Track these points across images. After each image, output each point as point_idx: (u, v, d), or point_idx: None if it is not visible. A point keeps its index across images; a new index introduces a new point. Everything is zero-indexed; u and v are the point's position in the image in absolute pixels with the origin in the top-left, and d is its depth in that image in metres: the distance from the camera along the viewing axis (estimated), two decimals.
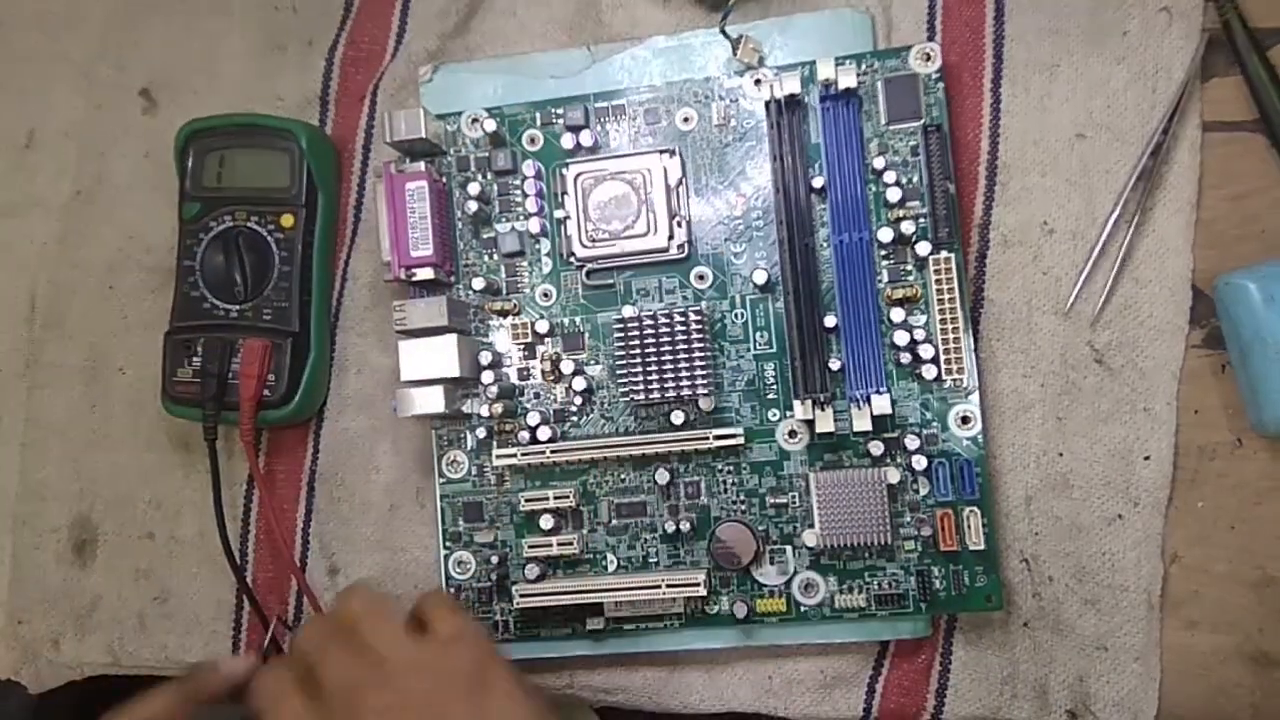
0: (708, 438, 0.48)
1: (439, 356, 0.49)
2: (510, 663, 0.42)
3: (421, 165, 0.50)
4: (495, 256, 0.52)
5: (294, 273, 0.53)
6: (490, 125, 0.51)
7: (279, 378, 0.52)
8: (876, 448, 0.47)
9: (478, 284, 0.51)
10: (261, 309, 0.53)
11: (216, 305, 0.53)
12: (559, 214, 0.50)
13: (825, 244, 0.48)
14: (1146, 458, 0.47)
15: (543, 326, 0.51)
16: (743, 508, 0.49)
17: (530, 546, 0.50)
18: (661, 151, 0.50)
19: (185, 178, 0.54)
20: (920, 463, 0.47)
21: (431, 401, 0.49)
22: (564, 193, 0.50)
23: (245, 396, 0.52)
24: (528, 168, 0.51)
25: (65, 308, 0.59)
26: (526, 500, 0.50)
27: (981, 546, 0.47)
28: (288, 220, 0.53)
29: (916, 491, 0.48)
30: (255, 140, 0.53)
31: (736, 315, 0.50)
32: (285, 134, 0.53)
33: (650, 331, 0.48)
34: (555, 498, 0.50)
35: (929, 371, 0.47)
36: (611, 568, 0.50)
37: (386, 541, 0.54)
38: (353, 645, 0.42)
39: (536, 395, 0.51)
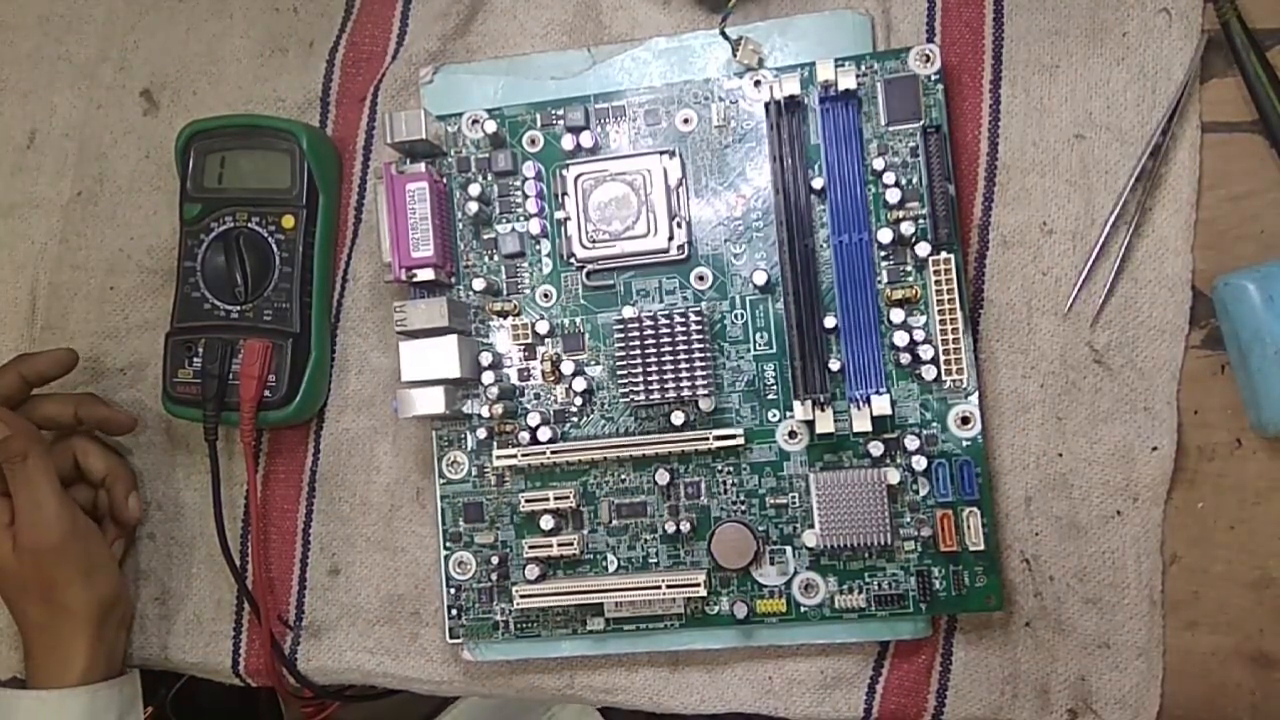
0: (708, 438, 0.48)
1: (439, 357, 0.49)
2: None
3: (422, 166, 0.51)
4: (496, 257, 0.52)
5: (295, 274, 0.53)
6: (491, 126, 0.51)
7: (279, 378, 0.52)
8: (876, 448, 0.47)
9: (478, 285, 0.51)
10: (262, 310, 0.53)
11: (217, 306, 0.53)
12: (559, 215, 0.51)
13: (825, 245, 0.48)
14: (1154, 449, 0.47)
15: (543, 327, 0.51)
16: (743, 508, 0.49)
17: (530, 547, 0.50)
18: (661, 152, 0.50)
19: (186, 179, 0.54)
20: (920, 463, 0.47)
21: (432, 402, 0.49)
22: (564, 194, 0.50)
23: (246, 397, 0.52)
24: (528, 169, 0.51)
25: (66, 308, 0.59)
26: (527, 501, 0.50)
27: (981, 547, 0.47)
28: (288, 221, 0.53)
29: (916, 492, 0.48)
30: (256, 141, 0.53)
31: (736, 316, 0.50)
32: (286, 135, 0.53)
33: (650, 332, 0.48)
34: (555, 498, 0.50)
35: (929, 372, 0.47)
36: (612, 568, 0.50)
37: (387, 542, 0.54)
38: None
39: (537, 396, 0.51)
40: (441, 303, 0.49)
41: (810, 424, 0.48)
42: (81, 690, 0.51)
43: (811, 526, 0.48)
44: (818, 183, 0.48)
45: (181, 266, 0.54)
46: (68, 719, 0.50)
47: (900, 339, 0.47)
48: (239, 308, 0.53)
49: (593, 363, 0.51)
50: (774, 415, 0.49)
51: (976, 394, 0.47)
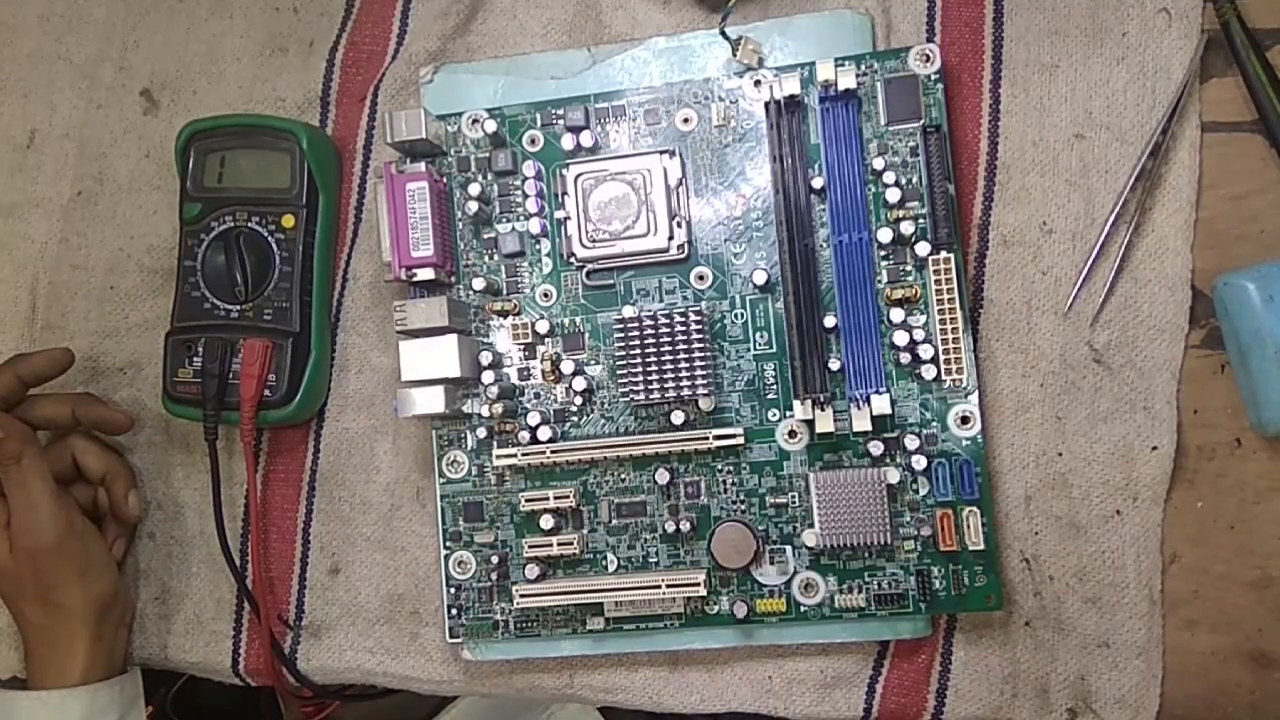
0: (708, 438, 0.48)
1: (439, 357, 0.49)
2: None
3: (422, 166, 0.51)
4: (495, 257, 0.52)
5: (295, 273, 0.53)
6: (491, 126, 0.51)
7: (279, 378, 0.52)
8: (876, 448, 0.47)
9: (478, 284, 0.51)
10: (262, 309, 0.53)
11: (217, 305, 0.53)
12: (559, 214, 0.51)
13: (825, 244, 0.48)
14: (1154, 448, 0.47)
15: (543, 327, 0.51)
16: (742, 508, 0.49)
17: (530, 546, 0.50)
18: (661, 152, 0.50)
19: (186, 178, 0.54)
20: (920, 463, 0.47)
21: (432, 401, 0.49)
22: (564, 193, 0.50)
23: (246, 397, 0.52)
24: (528, 168, 0.51)
25: (66, 308, 0.59)
26: (527, 500, 0.50)
27: (981, 546, 0.47)
28: (288, 220, 0.53)
29: (916, 491, 0.48)
30: (256, 141, 0.53)
31: (736, 315, 0.50)
32: (286, 135, 0.53)
33: (650, 332, 0.48)
34: (555, 498, 0.50)
35: (928, 371, 0.47)
36: (611, 568, 0.50)
37: (387, 541, 0.54)
38: None
39: (537, 395, 0.51)
40: (441, 302, 0.49)
41: (810, 423, 0.48)
42: (82, 690, 0.51)
43: (811, 526, 0.48)
44: (818, 182, 0.48)
45: (181, 266, 0.54)
46: (68, 718, 0.50)
47: (900, 338, 0.47)
48: (239, 307, 0.53)
49: (593, 362, 0.51)
50: (774, 415, 0.49)
51: (976, 393, 0.47)
